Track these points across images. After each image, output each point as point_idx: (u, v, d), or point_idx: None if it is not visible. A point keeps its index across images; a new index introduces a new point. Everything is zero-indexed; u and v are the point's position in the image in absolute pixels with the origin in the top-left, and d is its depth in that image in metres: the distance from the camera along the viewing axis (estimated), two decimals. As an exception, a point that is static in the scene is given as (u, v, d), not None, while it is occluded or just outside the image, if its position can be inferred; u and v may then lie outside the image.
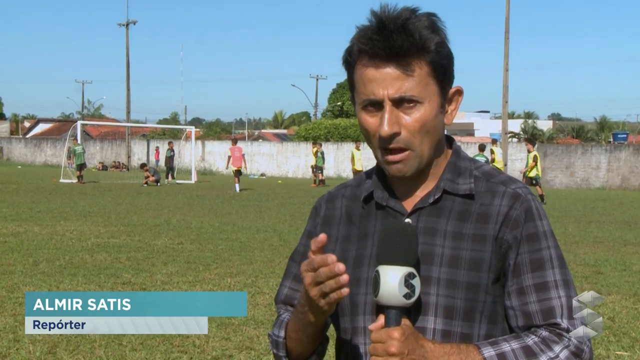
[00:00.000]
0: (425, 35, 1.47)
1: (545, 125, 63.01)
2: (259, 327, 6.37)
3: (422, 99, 1.48)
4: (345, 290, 1.38)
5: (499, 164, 24.83)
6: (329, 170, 39.82)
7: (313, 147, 33.09)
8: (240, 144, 47.07)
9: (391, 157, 1.51)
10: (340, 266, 1.37)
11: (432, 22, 1.50)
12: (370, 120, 1.51)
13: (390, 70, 1.47)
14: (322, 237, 1.43)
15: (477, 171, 1.60)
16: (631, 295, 8.00)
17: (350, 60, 1.53)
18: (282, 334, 1.63)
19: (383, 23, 1.47)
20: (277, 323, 1.67)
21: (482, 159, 27.09)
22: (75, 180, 31.02)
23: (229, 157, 27.28)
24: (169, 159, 34.71)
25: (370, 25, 1.49)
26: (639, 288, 8.44)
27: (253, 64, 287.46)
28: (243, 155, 27.65)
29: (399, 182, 1.60)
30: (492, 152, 25.23)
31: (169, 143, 36.52)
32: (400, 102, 1.48)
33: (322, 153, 32.71)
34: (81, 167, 30.74)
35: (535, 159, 22.62)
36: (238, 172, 26.76)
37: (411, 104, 1.48)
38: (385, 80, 1.47)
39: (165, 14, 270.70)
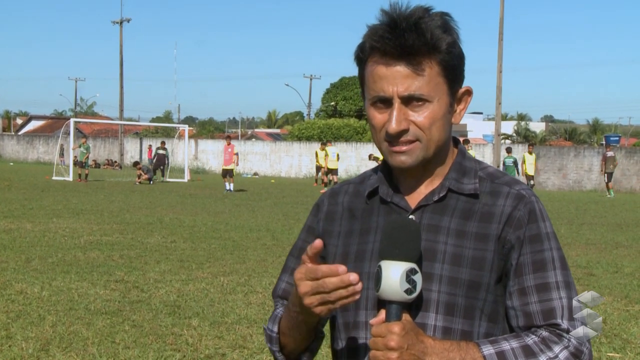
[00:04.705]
0: (437, 34, 1.48)
1: (538, 127, 63.28)
2: (252, 326, 6.37)
3: (431, 97, 1.50)
4: (357, 297, 1.39)
5: None
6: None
7: (321, 148, 33.18)
8: (233, 143, 47.18)
9: (397, 148, 1.52)
10: (353, 276, 1.37)
11: (445, 22, 1.51)
12: (378, 116, 1.53)
13: (400, 69, 1.48)
14: (318, 242, 1.43)
15: (481, 172, 1.62)
16: (623, 297, 8.03)
17: (362, 57, 1.55)
18: (276, 329, 1.64)
19: (395, 21, 1.48)
20: (272, 317, 1.68)
21: (510, 160, 27.05)
22: (69, 178, 31.01)
23: None
24: (162, 157, 33.75)
25: (382, 24, 1.51)
26: (630, 290, 8.48)
27: (247, 63, 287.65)
28: (236, 153, 27.53)
29: (405, 179, 1.61)
30: None
31: (162, 142, 35.84)
32: (409, 100, 1.50)
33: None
34: (83, 165, 30.77)
35: None
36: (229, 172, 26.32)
37: (420, 102, 1.50)
38: (395, 78, 1.49)
39: (160, 12, 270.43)
